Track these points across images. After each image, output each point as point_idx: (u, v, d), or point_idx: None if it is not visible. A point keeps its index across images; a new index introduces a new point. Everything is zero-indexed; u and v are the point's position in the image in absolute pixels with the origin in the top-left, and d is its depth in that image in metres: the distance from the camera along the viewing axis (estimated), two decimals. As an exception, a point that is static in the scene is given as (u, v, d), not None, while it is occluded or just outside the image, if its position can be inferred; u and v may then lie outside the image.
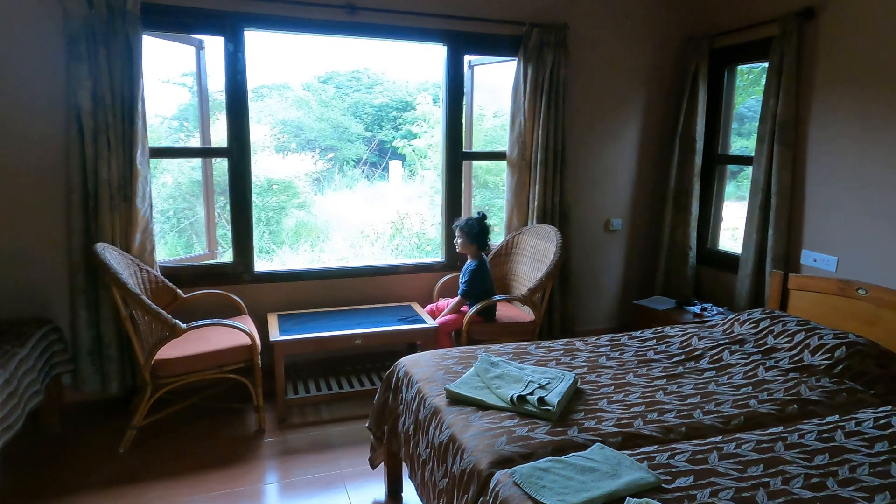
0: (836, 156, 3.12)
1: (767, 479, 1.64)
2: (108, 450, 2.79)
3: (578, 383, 2.20)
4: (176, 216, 6.64)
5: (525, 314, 3.55)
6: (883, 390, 2.26)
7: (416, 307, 3.59)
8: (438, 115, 9.22)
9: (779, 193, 3.31)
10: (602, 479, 1.57)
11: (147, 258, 3.12)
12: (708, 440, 1.84)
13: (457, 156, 3.79)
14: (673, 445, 1.80)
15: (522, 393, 2.03)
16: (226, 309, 3.32)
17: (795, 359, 2.42)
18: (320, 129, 10.12)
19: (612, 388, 2.21)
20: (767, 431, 1.90)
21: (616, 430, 1.89)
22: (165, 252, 6.09)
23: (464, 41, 3.65)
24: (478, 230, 3.39)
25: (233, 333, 2.98)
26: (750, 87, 4.60)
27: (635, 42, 3.99)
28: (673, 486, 1.59)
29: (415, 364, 2.39)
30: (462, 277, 3.41)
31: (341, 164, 9.98)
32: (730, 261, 3.83)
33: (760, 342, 2.59)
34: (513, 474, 1.61)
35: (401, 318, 3.37)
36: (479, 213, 3.48)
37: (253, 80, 3.46)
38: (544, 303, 3.47)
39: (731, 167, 4.07)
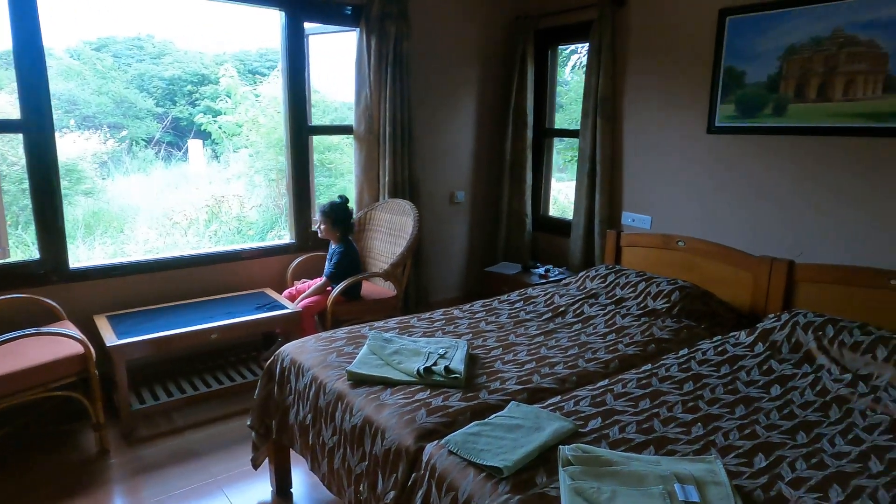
0: (644, 127, 3.58)
1: (657, 410, 1.86)
2: None
3: (470, 349, 2.26)
4: None
5: (385, 290, 3.52)
6: (708, 324, 2.69)
7: (271, 293, 3.35)
8: (246, 90, 8.62)
9: (602, 162, 3.71)
10: (530, 433, 1.64)
11: (-83, 261, 2.46)
12: (598, 385, 2.02)
13: (302, 131, 3.57)
14: (573, 393, 1.94)
15: (427, 364, 2.02)
16: (37, 316, 2.76)
17: (642, 305, 2.77)
18: (100, 104, 8.76)
19: (501, 349, 2.31)
20: (641, 370, 2.15)
21: (520, 387, 1.98)
22: None
23: (302, 7, 3.43)
24: (342, 214, 3.28)
25: (57, 343, 2.49)
26: (560, 67, 5.04)
27: (471, 19, 4.11)
28: (588, 429, 1.72)
29: (301, 351, 2.24)
30: (331, 260, 3.27)
31: (130, 143, 8.80)
32: (561, 225, 4.21)
33: (611, 294, 2.91)
34: (446, 444, 1.60)
35: (258, 305, 3.12)
36: (340, 197, 3.35)
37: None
38: (405, 277, 3.48)
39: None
